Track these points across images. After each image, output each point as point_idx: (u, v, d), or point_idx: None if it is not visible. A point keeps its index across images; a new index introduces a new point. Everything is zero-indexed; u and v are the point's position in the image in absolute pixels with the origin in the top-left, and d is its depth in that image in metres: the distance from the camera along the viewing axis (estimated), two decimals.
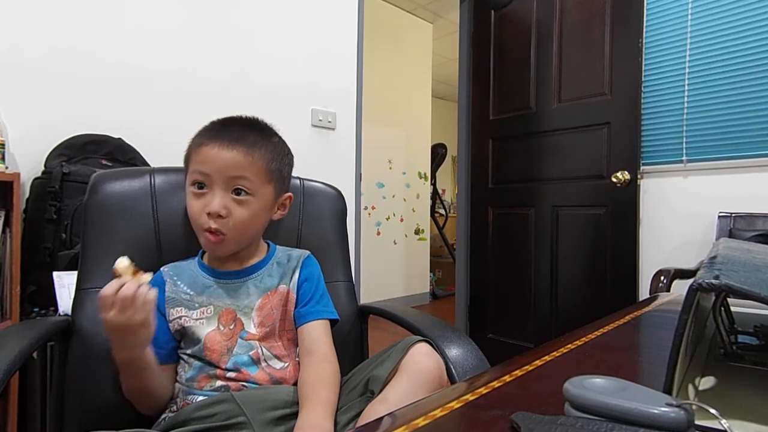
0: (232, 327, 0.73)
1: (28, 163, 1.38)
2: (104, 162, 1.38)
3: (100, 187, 0.81)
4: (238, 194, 0.72)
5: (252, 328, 0.74)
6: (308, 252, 0.86)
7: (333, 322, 0.81)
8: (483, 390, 0.43)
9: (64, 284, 1.12)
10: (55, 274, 1.13)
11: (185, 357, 0.73)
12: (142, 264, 0.79)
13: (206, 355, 0.71)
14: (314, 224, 0.97)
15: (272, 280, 0.78)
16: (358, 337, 0.97)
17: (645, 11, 2.05)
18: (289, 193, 0.83)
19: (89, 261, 0.79)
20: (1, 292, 1.19)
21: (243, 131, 0.74)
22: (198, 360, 0.72)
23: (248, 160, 0.72)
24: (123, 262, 0.62)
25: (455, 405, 0.40)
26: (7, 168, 1.27)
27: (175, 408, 0.70)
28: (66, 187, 1.25)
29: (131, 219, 0.82)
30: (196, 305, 0.74)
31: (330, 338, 0.77)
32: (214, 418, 0.64)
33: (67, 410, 0.74)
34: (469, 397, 0.42)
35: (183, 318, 0.73)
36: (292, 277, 0.80)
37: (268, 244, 0.85)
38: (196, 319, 0.73)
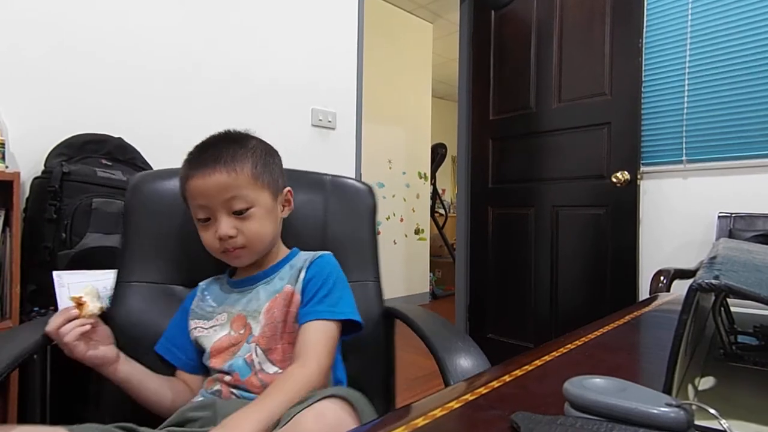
0: (242, 332, 0.75)
1: (28, 163, 1.38)
2: (104, 161, 1.38)
3: (140, 187, 0.87)
4: (240, 213, 0.73)
5: (258, 331, 0.74)
6: (323, 252, 0.82)
7: (352, 325, 0.76)
8: (483, 390, 0.43)
9: (64, 284, 1.12)
10: (55, 273, 1.13)
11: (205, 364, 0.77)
12: (170, 263, 0.86)
13: (211, 361, 0.74)
14: (341, 221, 0.94)
15: (281, 282, 0.77)
16: (380, 340, 0.89)
17: (645, 11, 2.05)
18: (288, 188, 0.82)
19: (128, 257, 0.85)
20: (1, 292, 1.19)
21: (217, 150, 0.74)
22: (208, 366, 0.75)
23: (233, 177, 0.72)
24: (78, 293, 0.66)
25: (455, 405, 0.40)
26: (7, 167, 1.27)
27: None
28: (66, 186, 1.25)
29: (164, 219, 0.86)
30: (215, 315, 0.77)
31: (326, 341, 0.70)
32: (197, 423, 0.66)
33: (103, 397, 0.78)
34: (469, 397, 0.42)
35: (197, 329, 0.77)
36: (298, 278, 0.77)
37: (291, 249, 0.84)
38: (210, 327, 0.76)
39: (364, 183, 1.00)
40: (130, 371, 0.71)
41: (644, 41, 2.04)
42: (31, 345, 0.65)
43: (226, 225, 0.72)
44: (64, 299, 1.11)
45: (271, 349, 0.73)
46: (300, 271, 0.78)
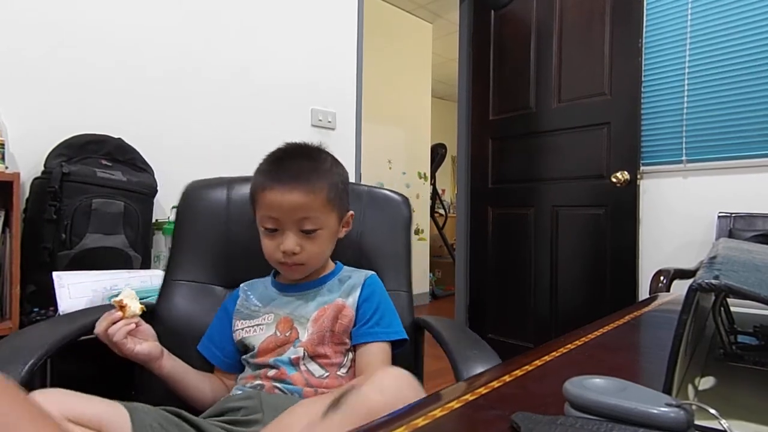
0: (287, 334, 0.78)
1: (28, 163, 1.37)
2: (104, 162, 1.38)
3: (190, 194, 0.94)
4: (308, 233, 0.76)
5: (305, 337, 0.77)
6: (370, 272, 0.87)
7: (401, 342, 0.81)
8: (483, 390, 0.43)
9: (64, 284, 1.12)
10: (54, 274, 1.13)
11: (244, 361, 0.80)
12: (213, 265, 0.91)
13: (257, 359, 0.77)
14: (378, 232, 0.97)
15: (332, 295, 0.81)
16: (409, 350, 0.90)
17: (645, 11, 2.05)
18: (351, 212, 0.85)
19: (176, 257, 0.92)
20: (1, 293, 1.19)
21: (299, 166, 0.77)
22: (251, 363, 0.78)
23: (310, 199, 0.75)
24: (119, 295, 0.71)
25: (455, 405, 0.40)
26: (7, 168, 1.27)
27: None
28: (66, 187, 1.25)
29: (209, 224, 0.92)
30: (261, 314, 0.81)
31: (387, 361, 0.78)
32: (240, 412, 0.69)
33: (145, 384, 0.82)
34: (469, 397, 0.42)
35: (244, 329, 0.80)
36: (351, 294, 0.81)
37: (335, 263, 0.87)
38: (256, 325, 0.79)
39: (400, 194, 1.02)
40: (174, 366, 0.76)
41: (644, 41, 2.04)
42: (74, 331, 0.72)
43: (291, 241, 0.75)
44: (64, 300, 1.11)
45: (318, 354, 0.76)
46: (353, 288, 0.82)
